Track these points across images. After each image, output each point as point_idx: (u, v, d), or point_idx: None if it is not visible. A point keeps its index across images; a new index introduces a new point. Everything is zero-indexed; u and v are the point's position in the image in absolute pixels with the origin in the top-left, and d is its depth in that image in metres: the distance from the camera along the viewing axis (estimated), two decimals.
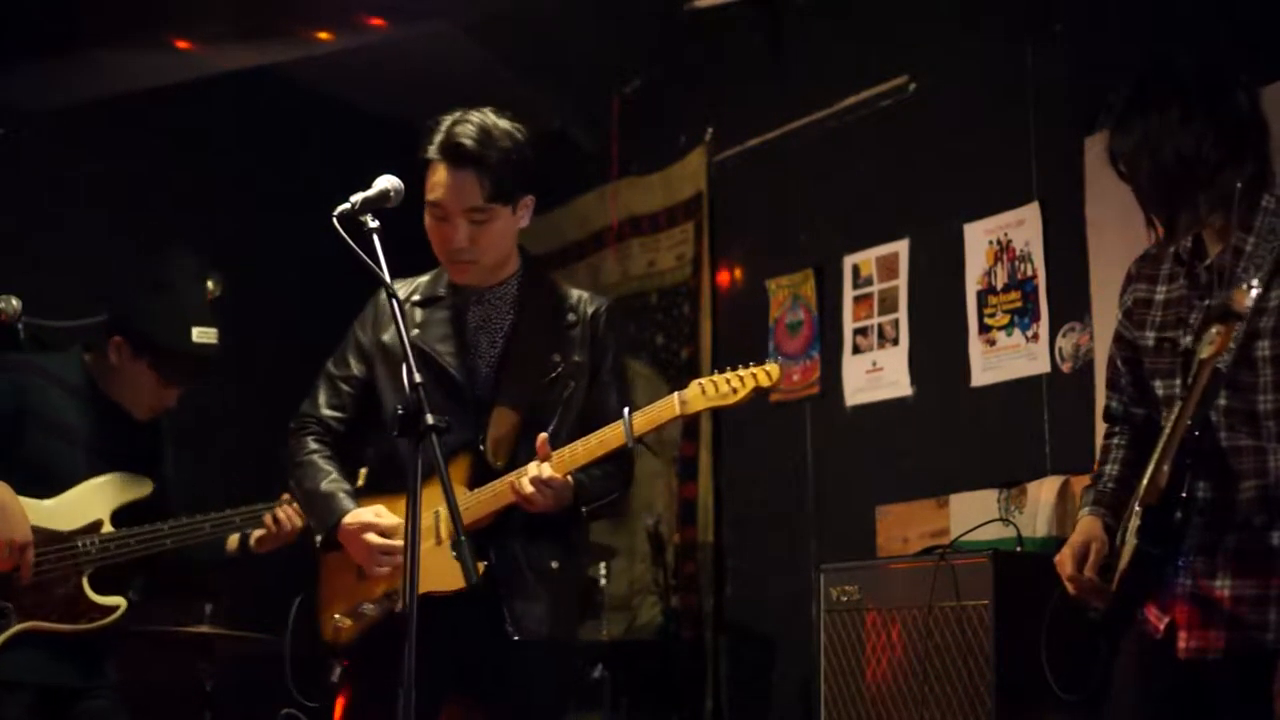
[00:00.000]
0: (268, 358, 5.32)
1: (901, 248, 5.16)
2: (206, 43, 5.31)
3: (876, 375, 5.21)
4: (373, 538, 2.98)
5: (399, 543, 2.96)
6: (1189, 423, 2.49)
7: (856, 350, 5.29)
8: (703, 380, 2.98)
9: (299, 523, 3.67)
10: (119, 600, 3.48)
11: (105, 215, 5.68)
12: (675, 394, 2.99)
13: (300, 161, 5.92)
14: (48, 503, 3.46)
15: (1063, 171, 4.60)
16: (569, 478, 2.97)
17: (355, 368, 3.18)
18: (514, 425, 3.04)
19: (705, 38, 5.86)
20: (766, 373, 2.96)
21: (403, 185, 2.86)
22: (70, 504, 3.49)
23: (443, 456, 2.98)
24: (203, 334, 3.52)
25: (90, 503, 3.51)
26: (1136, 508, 2.60)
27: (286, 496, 3.65)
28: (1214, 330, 2.42)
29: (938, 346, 5.00)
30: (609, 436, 2.96)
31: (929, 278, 5.07)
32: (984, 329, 4.85)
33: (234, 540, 3.72)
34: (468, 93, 6.42)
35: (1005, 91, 4.82)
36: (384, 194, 2.80)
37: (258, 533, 3.69)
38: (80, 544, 3.46)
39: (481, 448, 3.01)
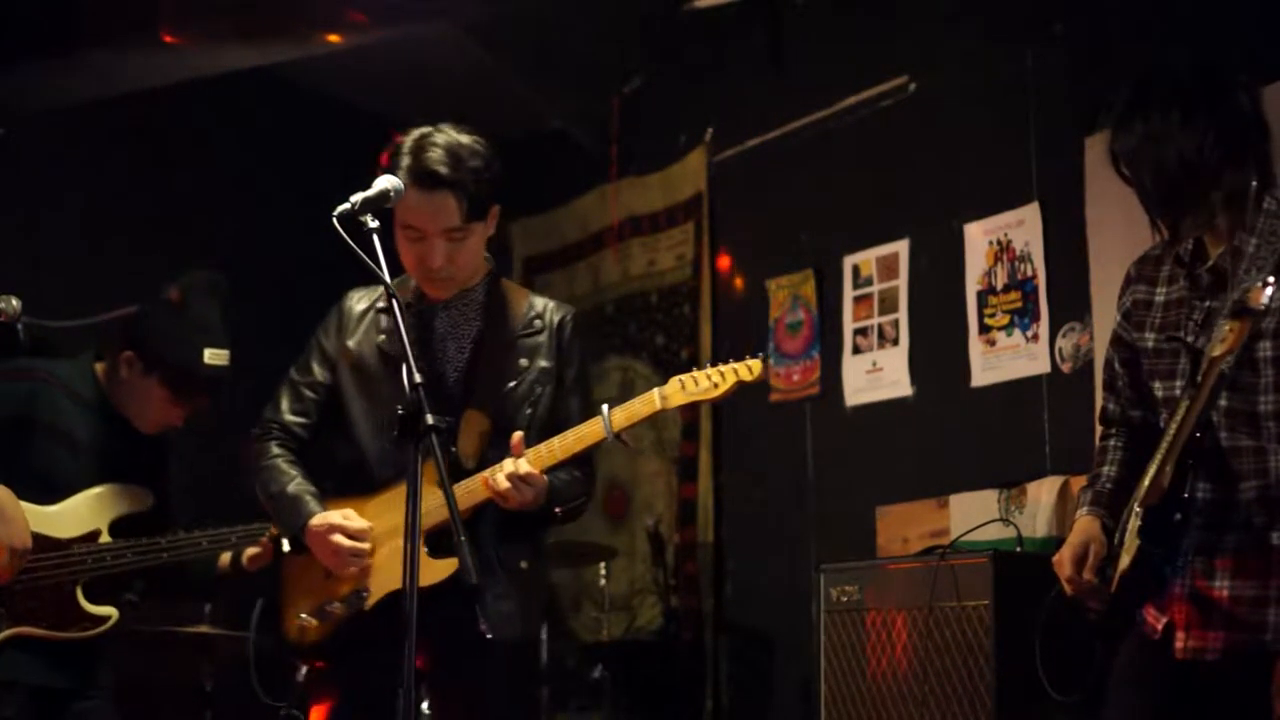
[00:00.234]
0: (267, 358, 5.31)
1: (901, 248, 5.16)
2: (203, 41, 5.30)
3: (876, 375, 5.21)
4: (341, 539, 3.01)
5: (367, 545, 3.01)
6: (1195, 421, 2.49)
7: (856, 350, 5.30)
8: (683, 376, 3.01)
9: None
10: (111, 610, 3.49)
11: (105, 215, 5.68)
12: (655, 389, 3.01)
13: (300, 161, 5.93)
14: (48, 509, 3.46)
15: (1063, 171, 4.60)
16: (544, 476, 3.00)
17: (319, 373, 3.20)
18: (484, 429, 3.07)
19: (705, 38, 5.86)
20: (748, 367, 3.00)
21: (403, 185, 2.86)
22: (70, 512, 3.49)
23: (421, 458, 3.03)
24: (215, 355, 3.52)
25: (90, 512, 3.51)
26: (1137, 508, 2.60)
27: None
28: (1226, 327, 2.41)
29: (938, 346, 5.01)
30: (588, 432, 2.99)
31: (929, 278, 5.07)
32: (984, 329, 4.85)
33: (226, 557, 3.73)
34: (468, 93, 6.46)
35: (1005, 91, 4.82)
36: (384, 194, 2.80)
37: (250, 551, 3.69)
38: (76, 553, 3.46)
39: (453, 449, 3.03)
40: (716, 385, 2.99)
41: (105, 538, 3.50)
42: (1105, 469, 2.87)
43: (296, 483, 3.12)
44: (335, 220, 2.75)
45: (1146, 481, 2.58)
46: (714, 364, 3.05)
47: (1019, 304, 4.75)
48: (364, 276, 3.10)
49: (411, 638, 2.43)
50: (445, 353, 3.15)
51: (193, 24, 5.20)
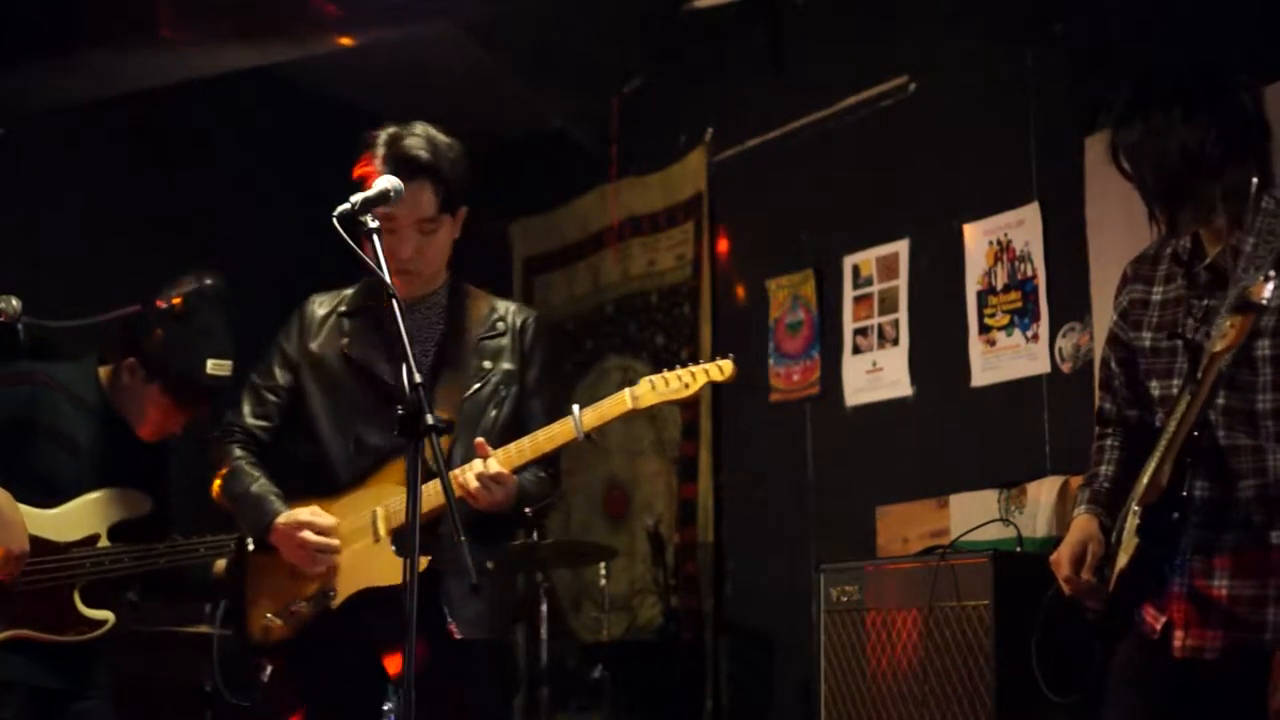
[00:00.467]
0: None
1: (901, 248, 5.16)
2: (203, 41, 5.30)
3: (876, 375, 5.21)
4: (309, 535, 3.03)
5: (336, 541, 3.04)
6: (1195, 418, 2.49)
7: (856, 350, 5.29)
8: (653, 376, 3.03)
9: None
10: (107, 615, 3.49)
11: (105, 215, 5.68)
12: (626, 389, 3.03)
13: (300, 161, 5.92)
14: (47, 513, 3.46)
15: (1063, 171, 4.60)
16: (514, 476, 3.01)
17: (281, 377, 3.23)
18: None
19: (705, 38, 5.86)
20: (719, 368, 3.03)
21: (403, 185, 2.87)
22: (69, 516, 3.49)
23: (379, 461, 3.06)
24: (218, 366, 3.52)
25: (89, 516, 3.51)
26: (1135, 507, 2.60)
27: None
28: (1228, 323, 2.41)
29: (938, 346, 5.00)
30: (558, 432, 3.01)
31: (929, 278, 5.07)
32: (984, 329, 4.85)
33: (220, 564, 3.73)
34: (468, 93, 6.47)
35: (1005, 91, 4.82)
36: (384, 194, 2.81)
37: None
38: (75, 556, 3.46)
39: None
40: (687, 385, 3.01)
41: (104, 542, 3.51)
42: (1102, 468, 2.87)
43: (260, 483, 3.15)
44: (335, 220, 2.76)
45: (1145, 480, 2.58)
46: (686, 365, 3.07)
47: (1019, 304, 4.75)
48: (364, 277, 3.11)
49: (411, 638, 2.43)
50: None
51: (193, 24, 5.20)
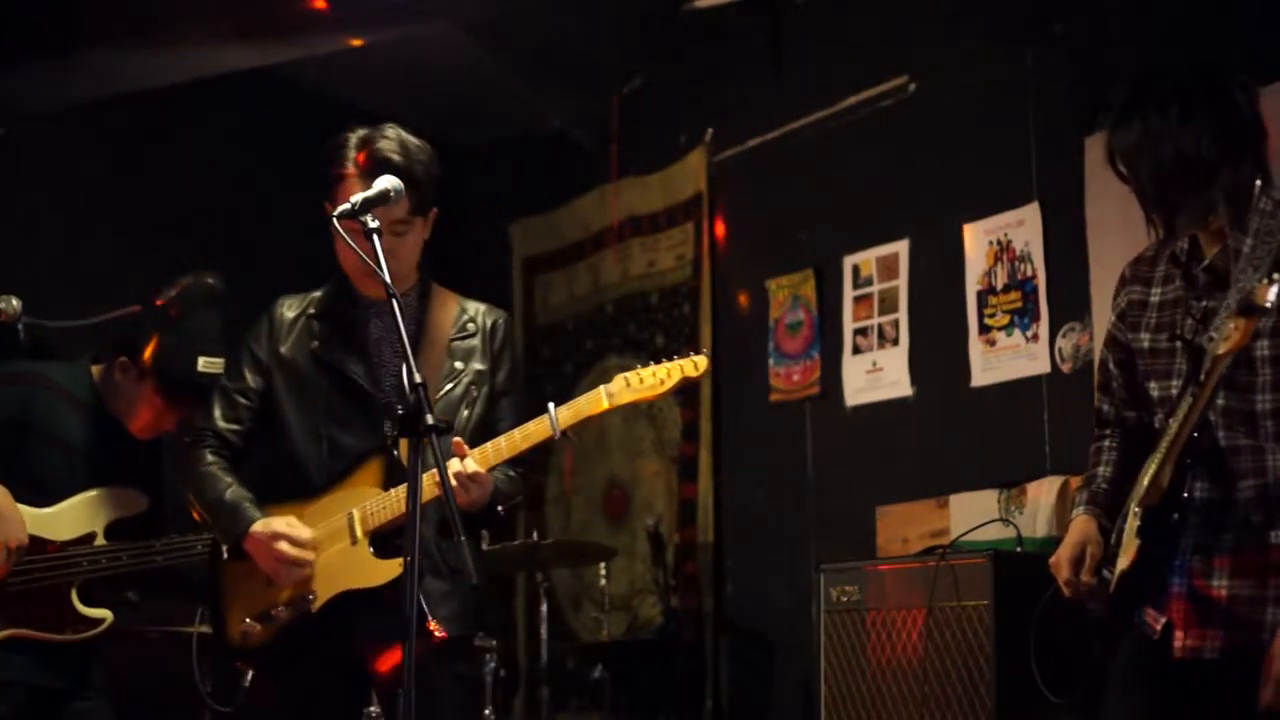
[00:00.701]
0: None
1: (901, 248, 5.16)
2: (203, 41, 5.31)
3: (876, 375, 5.21)
4: (285, 546, 3.04)
5: (310, 554, 3.05)
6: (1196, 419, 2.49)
7: (856, 350, 5.30)
8: (628, 374, 3.04)
9: None
10: (105, 613, 3.49)
11: (105, 215, 5.68)
12: (602, 387, 3.04)
13: (300, 161, 5.91)
14: (43, 512, 3.47)
15: (1063, 171, 4.60)
16: (490, 475, 3.03)
17: (251, 380, 3.23)
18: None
19: (705, 38, 5.86)
20: (694, 363, 3.04)
21: (403, 185, 2.87)
22: (65, 515, 3.49)
23: (353, 463, 3.08)
24: (209, 364, 3.52)
25: (85, 515, 3.52)
26: (1135, 508, 2.60)
27: None
28: (1231, 324, 2.41)
29: (938, 346, 5.00)
30: (534, 430, 3.02)
31: (929, 278, 5.07)
32: (984, 329, 4.85)
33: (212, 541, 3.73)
34: (468, 93, 6.47)
35: (1005, 91, 4.82)
36: (384, 194, 2.82)
37: None
38: (71, 555, 3.47)
39: (395, 452, 3.06)
40: (662, 381, 3.03)
41: (100, 540, 3.51)
42: (1101, 469, 2.87)
43: (233, 490, 3.15)
44: (335, 220, 2.77)
45: (1146, 481, 2.58)
46: (663, 359, 3.08)
47: (1019, 304, 4.75)
48: (332, 278, 3.12)
49: (411, 639, 2.43)
50: (380, 356, 3.17)
51: (193, 24, 5.21)
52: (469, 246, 6.52)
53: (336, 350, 3.17)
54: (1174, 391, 2.63)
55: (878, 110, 5.28)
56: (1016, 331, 4.75)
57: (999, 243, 4.83)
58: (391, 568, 2.99)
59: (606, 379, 3.07)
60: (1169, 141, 2.57)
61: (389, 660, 3.02)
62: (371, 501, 3.04)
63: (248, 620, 3.10)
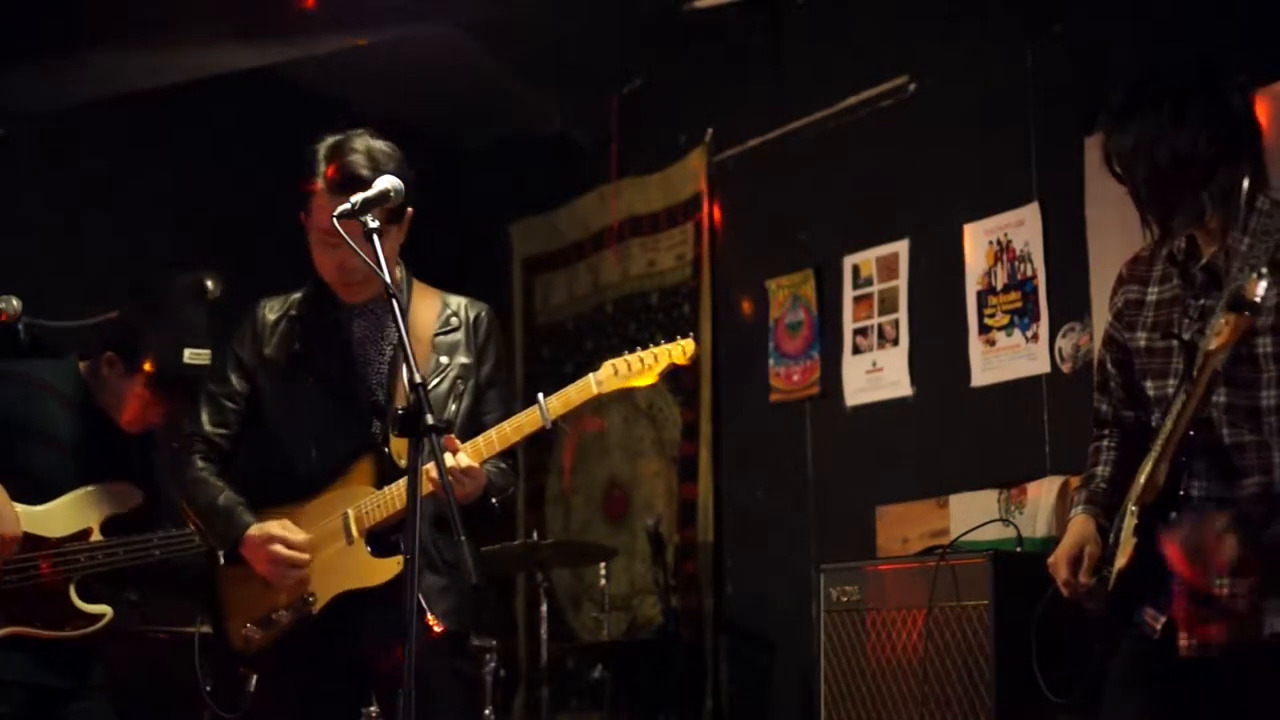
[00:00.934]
0: None
1: (901, 248, 5.16)
2: (203, 41, 5.31)
3: (876, 375, 5.21)
4: (280, 549, 3.05)
5: (306, 556, 3.05)
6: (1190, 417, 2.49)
7: (856, 350, 5.29)
8: (616, 361, 3.05)
9: None
10: (104, 609, 3.50)
11: (105, 215, 5.68)
12: (590, 374, 3.05)
13: (300, 161, 5.91)
14: (37, 509, 3.47)
15: (1063, 171, 4.60)
16: (483, 469, 3.03)
17: (237, 383, 3.23)
18: None
19: (705, 38, 5.86)
20: (681, 349, 3.06)
21: (403, 185, 2.87)
22: (60, 512, 3.50)
23: (344, 463, 3.08)
24: (194, 355, 3.52)
25: (80, 511, 3.52)
26: (1133, 506, 2.60)
27: None
28: (1222, 320, 2.41)
29: (938, 346, 5.00)
30: (525, 421, 3.03)
31: (929, 278, 5.07)
32: (984, 329, 4.85)
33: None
34: (468, 93, 6.46)
35: (1005, 91, 4.82)
36: (384, 194, 2.82)
37: None
38: (68, 551, 3.47)
39: (386, 449, 3.06)
40: (650, 367, 3.04)
41: (96, 536, 3.51)
42: (1099, 469, 2.87)
43: (226, 495, 3.15)
44: (335, 220, 2.77)
45: (1142, 479, 2.59)
46: (648, 348, 3.09)
47: (1019, 304, 4.75)
48: (311, 279, 3.12)
49: (411, 639, 2.43)
50: (365, 356, 3.17)
51: (193, 24, 5.21)
52: (469, 246, 6.54)
53: (319, 351, 3.18)
54: (1170, 390, 2.64)
55: (878, 110, 5.28)
56: (1016, 331, 4.75)
57: (999, 243, 4.83)
58: (389, 566, 2.99)
59: None
60: (1164, 143, 2.58)
61: (392, 658, 3.03)
62: (365, 500, 3.04)
63: (249, 625, 3.10)
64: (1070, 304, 4.60)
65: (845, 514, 5.21)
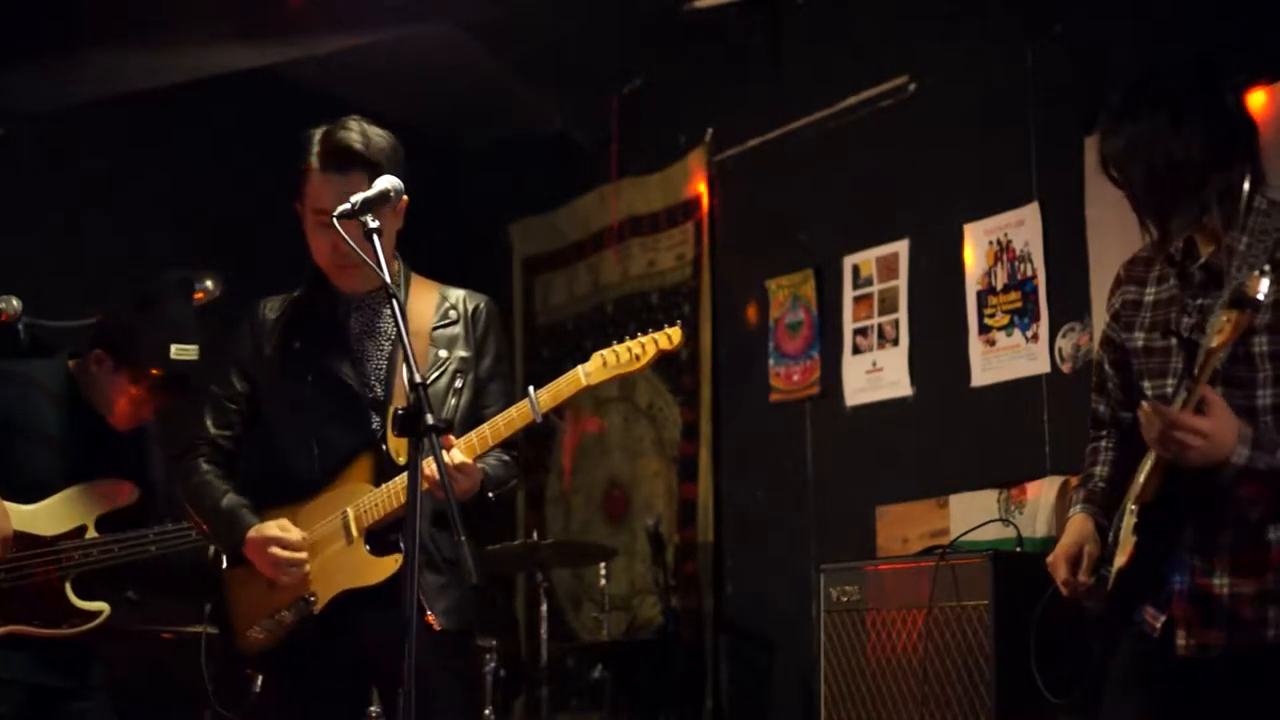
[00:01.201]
0: None
1: (901, 248, 5.16)
2: (203, 41, 5.31)
3: (876, 375, 5.21)
4: (277, 551, 3.04)
5: (304, 555, 3.05)
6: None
7: (856, 350, 5.30)
8: (604, 352, 3.04)
9: None
10: (102, 606, 3.50)
11: (104, 215, 5.68)
12: (579, 366, 3.04)
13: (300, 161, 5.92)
14: (31, 508, 3.47)
15: (1063, 171, 4.60)
16: (478, 464, 3.02)
17: (238, 385, 3.22)
18: None
19: (705, 38, 5.86)
20: (668, 336, 3.03)
21: (402, 185, 2.87)
22: (54, 510, 3.50)
23: (344, 461, 3.07)
24: (181, 351, 3.52)
25: (74, 509, 3.52)
26: (1132, 506, 2.60)
27: None
28: (1224, 318, 2.41)
29: (938, 346, 5.01)
30: (516, 416, 3.01)
31: (929, 278, 5.07)
32: (984, 329, 4.85)
33: (213, 550, 3.73)
34: (468, 93, 6.46)
35: (1005, 91, 4.82)
36: (384, 194, 2.82)
37: None
38: (64, 548, 3.47)
39: (384, 447, 3.06)
40: (638, 357, 3.02)
41: (92, 533, 3.52)
42: (1098, 469, 2.87)
43: (229, 497, 3.15)
44: (335, 220, 2.77)
45: (1141, 478, 2.59)
46: (635, 337, 3.07)
47: (1019, 304, 4.75)
48: (307, 277, 3.11)
49: (411, 639, 2.43)
50: (364, 351, 3.16)
51: (193, 24, 5.21)
52: (469, 246, 6.55)
53: (319, 348, 3.16)
54: (1169, 390, 2.63)
55: (878, 110, 5.28)
56: (1016, 331, 4.75)
57: (999, 243, 4.83)
58: (388, 565, 2.99)
59: None
60: (1160, 146, 2.58)
61: (394, 658, 3.03)
62: (365, 499, 3.04)
63: (255, 626, 3.11)
64: (1070, 304, 4.60)
65: (845, 514, 5.22)
